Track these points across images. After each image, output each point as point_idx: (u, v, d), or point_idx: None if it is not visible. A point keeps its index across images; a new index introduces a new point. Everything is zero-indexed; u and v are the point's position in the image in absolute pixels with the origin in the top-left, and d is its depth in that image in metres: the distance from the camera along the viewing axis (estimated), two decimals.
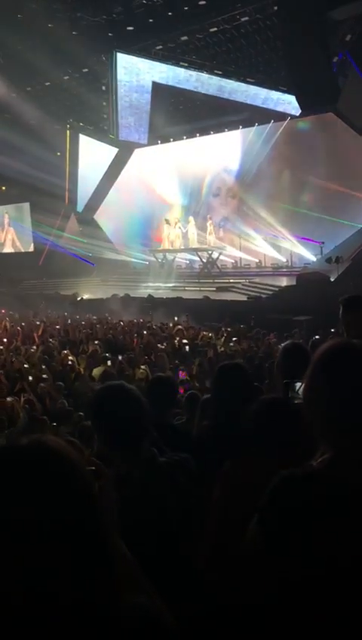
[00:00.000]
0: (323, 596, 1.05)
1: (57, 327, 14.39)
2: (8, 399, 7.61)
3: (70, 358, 10.14)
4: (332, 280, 15.82)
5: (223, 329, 12.64)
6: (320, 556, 1.04)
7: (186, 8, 18.01)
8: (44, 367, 9.60)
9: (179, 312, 15.70)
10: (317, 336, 9.59)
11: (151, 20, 18.93)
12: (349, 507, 1.06)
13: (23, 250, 28.02)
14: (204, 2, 17.59)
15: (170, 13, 18.39)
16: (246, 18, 18.33)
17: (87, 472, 0.93)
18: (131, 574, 1.15)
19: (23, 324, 15.01)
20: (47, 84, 22.67)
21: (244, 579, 1.30)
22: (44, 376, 8.94)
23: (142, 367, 9.12)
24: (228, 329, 12.66)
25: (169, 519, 1.82)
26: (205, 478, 1.96)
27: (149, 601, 1.01)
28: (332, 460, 1.13)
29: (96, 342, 11.51)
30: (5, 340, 12.37)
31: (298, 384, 1.79)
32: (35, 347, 11.43)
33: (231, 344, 10.71)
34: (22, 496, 0.83)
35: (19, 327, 13.99)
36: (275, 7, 17.34)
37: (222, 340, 11.47)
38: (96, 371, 9.21)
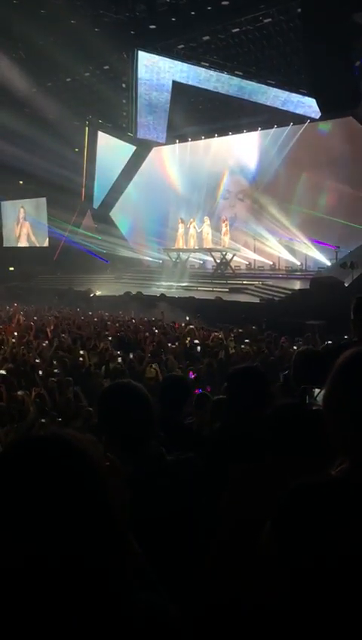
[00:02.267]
0: (337, 607, 1.03)
1: (69, 322, 14.45)
2: (19, 393, 7.66)
3: (81, 353, 10.18)
4: (346, 285, 15.72)
5: (235, 330, 12.62)
6: (336, 567, 1.03)
7: (209, 8, 17.97)
8: (55, 362, 9.65)
9: (191, 311, 15.70)
10: (329, 342, 9.56)
11: (173, 19, 18.91)
12: None
13: (37, 245, 28.17)
14: (226, 3, 17.54)
15: (192, 13, 18.37)
16: (269, 19, 18.26)
17: (103, 467, 0.93)
18: (141, 571, 1.15)
19: (36, 318, 15.09)
20: (68, 80, 22.74)
21: (254, 585, 1.29)
22: (56, 370, 8.99)
23: (153, 365, 9.13)
24: (240, 330, 12.63)
25: (175, 517, 1.82)
26: (213, 479, 1.96)
27: (159, 598, 1.02)
28: (351, 469, 1.12)
29: (110, 338, 11.55)
30: (17, 333, 12.44)
31: (316, 390, 1.78)
32: (47, 342, 11.48)
33: (243, 346, 10.67)
34: (39, 487, 0.84)
35: (32, 322, 14.06)
36: (298, 10, 17.26)
37: (233, 341, 11.45)
38: (110, 366, 9.25)
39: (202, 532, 1.86)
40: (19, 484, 0.84)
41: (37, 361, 9.45)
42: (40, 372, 8.82)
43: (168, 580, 1.23)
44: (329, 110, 18.76)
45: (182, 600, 1.25)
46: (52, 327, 13.33)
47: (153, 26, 19.71)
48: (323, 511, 1.07)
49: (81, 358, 9.78)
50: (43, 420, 6.60)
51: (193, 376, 8.03)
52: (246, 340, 11.25)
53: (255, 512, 1.51)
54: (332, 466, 1.19)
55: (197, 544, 1.84)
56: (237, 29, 19.10)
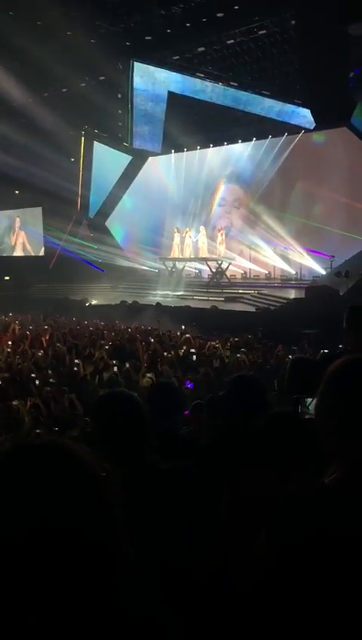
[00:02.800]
0: (335, 615, 1.04)
1: (65, 331, 14.44)
2: (14, 403, 7.64)
3: (77, 362, 10.17)
4: (341, 294, 15.79)
5: (231, 339, 12.63)
6: (333, 574, 1.04)
7: (204, 20, 18.14)
8: (50, 371, 9.63)
9: (186, 320, 15.72)
10: (326, 350, 9.58)
11: (168, 31, 19.07)
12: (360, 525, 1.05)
13: (33, 254, 28.18)
14: (221, 15, 17.71)
15: (187, 25, 18.53)
16: (264, 31, 18.44)
17: (101, 475, 0.94)
18: (137, 581, 1.16)
19: (32, 327, 15.07)
20: (64, 90, 22.86)
21: (252, 593, 1.30)
22: (51, 380, 8.97)
23: (148, 375, 9.12)
24: (236, 339, 12.65)
25: (171, 525, 1.82)
26: (209, 486, 1.96)
27: (155, 608, 1.02)
28: (344, 477, 1.13)
29: (107, 347, 11.55)
30: (12, 342, 12.42)
31: (308, 399, 1.79)
32: (42, 351, 11.47)
33: (239, 355, 10.69)
34: (35, 495, 0.84)
35: (27, 331, 14.05)
36: (293, 22, 17.45)
37: (229, 350, 11.46)
38: (105, 376, 9.25)
39: (198, 539, 1.86)
40: (16, 492, 0.84)
41: (32, 370, 9.42)
42: (36, 381, 8.81)
43: (165, 586, 1.23)
44: (323, 121, 18.92)
45: (179, 606, 1.25)
46: (47, 337, 13.32)
47: (149, 38, 19.87)
48: (317, 518, 1.08)
49: (76, 368, 9.77)
50: (38, 430, 6.58)
51: (190, 386, 8.02)
52: (242, 349, 11.26)
53: (251, 517, 1.52)
54: (324, 474, 1.20)
55: (193, 551, 1.84)
56: (232, 41, 19.28)
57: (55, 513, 0.83)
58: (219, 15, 17.77)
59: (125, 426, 1.86)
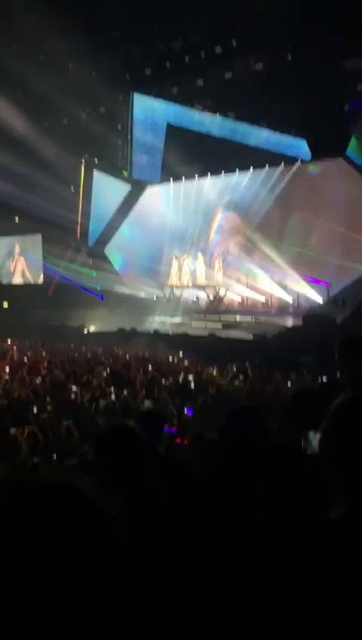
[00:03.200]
0: None
1: (62, 358, 14.41)
2: (12, 430, 7.59)
3: (74, 389, 10.13)
4: (338, 322, 15.84)
5: (229, 366, 12.62)
6: (336, 607, 1.05)
7: (203, 54, 18.61)
8: (48, 398, 9.59)
9: (184, 347, 15.73)
10: (324, 378, 9.58)
11: (168, 64, 19.54)
12: None
13: (32, 282, 28.27)
14: (220, 50, 18.17)
15: (187, 59, 19.00)
16: (261, 65, 18.89)
17: (114, 519, 0.92)
18: (145, 615, 1.15)
19: (29, 354, 15.05)
20: (65, 121, 23.26)
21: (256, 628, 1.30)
22: (48, 407, 8.93)
23: (146, 402, 9.09)
24: (234, 366, 12.64)
25: (171, 556, 1.82)
26: (208, 518, 1.97)
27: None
28: (350, 514, 1.14)
29: (104, 374, 11.52)
30: (9, 369, 12.40)
31: (311, 433, 1.81)
32: (40, 378, 11.44)
33: (237, 382, 10.68)
34: (46, 542, 0.81)
35: (25, 358, 14.03)
36: (289, 57, 17.89)
37: (228, 378, 11.44)
38: (102, 403, 9.21)
39: (197, 570, 1.86)
40: (23, 533, 0.81)
41: (30, 397, 9.38)
42: (33, 409, 8.76)
43: (169, 615, 1.23)
44: (319, 152, 19.24)
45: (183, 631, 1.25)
46: (45, 363, 13.30)
47: (149, 71, 20.34)
48: (324, 557, 1.09)
49: (73, 395, 9.74)
50: (35, 459, 6.53)
51: (190, 414, 7.99)
52: (241, 376, 11.26)
53: (251, 549, 1.52)
54: (330, 509, 1.22)
55: (192, 582, 1.84)
56: (230, 74, 19.72)
57: (65, 562, 0.80)
58: (217, 50, 18.24)
59: (127, 461, 1.88)
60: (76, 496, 0.87)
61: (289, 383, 9.97)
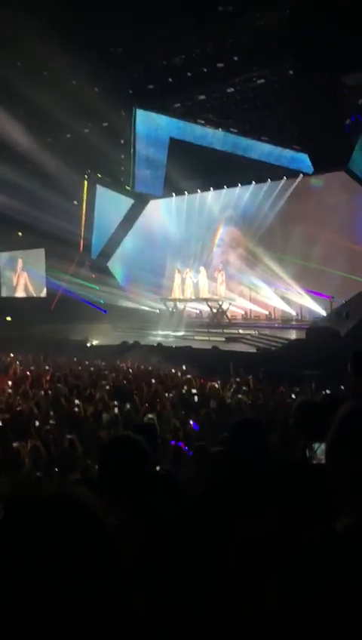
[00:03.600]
0: None
1: (65, 372, 14.40)
2: (14, 444, 7.56)
3: (77, 403, 10.10)
4: (342, 335, 15.80)
5: (232, 379, 12.59)
6: (347, 625, 1.02)
7: (205, 70, 18.79)
8: (51, 412, 9.57)
9: (187, 361, 15.70)
10: (327, 391, 9.54)
11: (170, 80, 19.73)
12: None
13: (35, 295, 28.36)
14: (222, 65, 18.35)
15: (189, 74, 19.19)
16: (263, 80, 19.06)
17: (111, 527, 0.92)
18: (142, 625, 1.13)
19: (33, 368, 15.05)
20: (68, 136, 23.46)
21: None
22: (51, 421, 8.90)
23: (150, 415, 9.06)
24: (237, 380, 12.60)
25: (173, 570, 1.80)
26: (210, 535, 1.94)
27: None
28: (356, 526, 1.12)
29: (107, 387, 11.50)
30: (12, 382, 12.39)
31: (316, 444, 1.79)
32: (43, 392, 11.42)
33: (240, 396, 10.64)
34: (48, 550, 0.82)
35: (27, 372, 14.02)
36: (290, 72, 18.05)
37: (231, 391, 11.41)
38: (105, 417, 9.19)
39: (202, 586, 1.83)
40: (28, 547, 0.82)
41: (33, 411, 9.36)
42: (36, 422, 8.74)
43: (169, 628, 1.21)
44: (321, 166, 19.34)
45: None
46: (48, 377, 13.28)
47: (151, 86, 20.53)
48: (330, 568, 1.07)
49: (76, 408, 9.71)
50: (38, 473, 6.50)
51: (196, 427, 7.96)
52: (244, 388, 11.23)
53: (260, 568, 1.50)
54: (336, 521, 1.19)
55: (197, 598, 1.81)
56: (232, 89, 19.90)
57: (69, 574, 0.81)
58: (219, 65, 18.42)
59: (130, 471, 1.85)
60: (79, 508, 0.87)
61: (292, 395, 9.93)
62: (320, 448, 1.72)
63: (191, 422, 8.17)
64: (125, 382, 12.45)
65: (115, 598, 0.84)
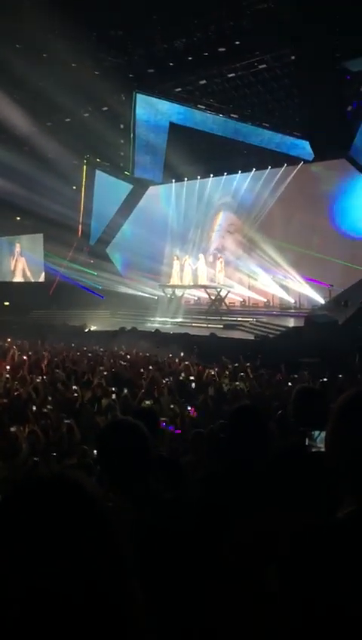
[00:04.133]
0: None
1: (63, 357, 14.39)
2: (12, 429, 7.57)
3: (75, 389, 10.12)
4: (340, 323, 15.82)
5: (230, 366, 12.60)
6: (340, 610, 1.02)
7: (206, 54, 18.57)
8: (49, 398, 9.58)
9: (185, 347, 15.71)
10: (325, 379, 9.56)
11: (171, 64, 19.51)
12: None
13: (32, 280, 28.30)
14: (223, 49, 18.13)
15: (189, 58, 18.97)
16: (264, 66, 18.86)
17: (109, 510, 0.93)
18: (141, 614, 1.14)
19: (30, 353, 15.03)
20: (67, 120, 23.25)
21: (257, 626, 1.28)
22: (49, 406, 8.91)
23: (147, 402, 9.08)
24: (236, 365, 12.62)
25: (173, 556, 1.80)
26: (211, 521, 1.94)
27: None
28: (358, 513, 1.12)
29: (105, 373, 11.51)
30: (9, 367, 12.38)
31: (316, 432, 1.78)
32: (40, 377, 11.42)
33: (238, 383, 10.66)
34: (46, 531, 0.82)
35: (25, 357, 14.00)
36: (292, 57, 17.86)
37: (228, 378, 11.42)
38: (104, 402, 9.21)
39: (200, 572, 1.84)
40: (26, 528, 0.83)
41: (31, 396, 9.38)
42: (34, 407, 8.75)
43: (167, 619, 1.21)
44: (322, 153, 19.22)
45: None
46: (46, 362, 13.28)
47: (151, 70, 20.31)
48: (330, 554, 1.07)
49: (75, 394, 9.73)
50: (36, 458, 6.52)
51: (194, 413, 7.99)
52: (241, 374, 11.24)
53: (257, 552, 1.50)
54: (338, 508, 1.19)
55: (194, 585, 1.81)
56: (233, 74, 19.69)
57: (65, 552, 0.82)
58: (220, 49, 18.21)
59: (130, 456, 1.84)
60: (77, 491, 0.87)
61: (289, 383, 9.95)
62: (319, 436, 1.72)
63: (190, 408, 8.19)
64: (123, 368, 12.46)
65: (113, 583, 0.84)
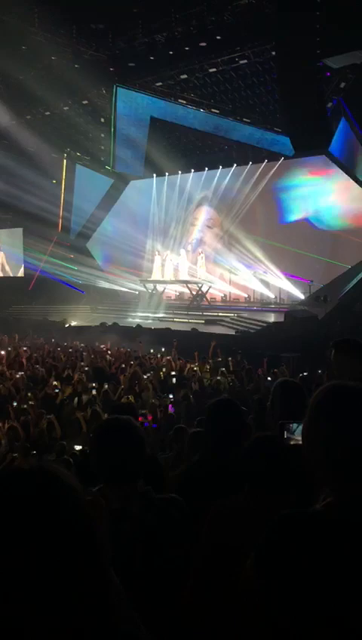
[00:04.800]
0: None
1: (43, 353, 14.31)
2: None
3: (55, 384, 10.07)
4: (319, 318, 15.96)
5: (210, 361, 12.65)
6: (321, 601, 1.04)
7: (187, 48, 18.51)
8: (29, 394, 9.53)
9: (166, 342, 15.72)
10: (305, 373, 9.65)
11: (152, 58, 19.41)
12: (353, 552, 1.05)
13: (11, 275, 28.01)
14: (204, 44, 18.09)
15: (171, 52, 18.89)
16: (245, 61, 18.86)
17: (84, 501, 0.94)
18: (121, 606, 1.15)
19: (10, 349, 14.92)
20: (47, 113, 23.01)
21: (233, 619, 1.29)
22: (30, 402, 8.87)
23: (129, 397, 9.07)
24: (219, 359, 12.67)
25: (163, 555, 1.81)
26: (194, 515, 1.96)
27: (138, 631, 1.02)
28: (335, 503, 1.14)
29: (86, 368, 11.48)
30: None
31: (294, 425, 1.81)
32: (21, 373, 11.35)
33: (219, 377, 10.71)
34: (22, 520, 0.84)
35: (2, 352, 13.90)
36: (273, 53, 17.89)
37: (209, 373, 11.47)
38: (85, 398, 9.18)
39: (186, 569, 1.85)
40: (3, 516, 0.84)
41: (11, 392, 9.31)
42: (14, 403, 8.70)
43: (148, 615, 1.22)
44: (302, 149, 19.30)
45: (162, 634, 1.24)
46: (25, 358, 13.20)
47: (132, 64, 20.17)
48: (307, 545, 1.09)
49: (57, 390, 9.69)
50: (15, 454, 6.49)
51: (172, 410, 8.00)
52: (223, 369, 11.30)
53: (234, 545, 1.52)
54: (315, 500, 1.21)
55: (181, 581, 1.83)
56: (214, 69, 19.66)
57: (39, 538, 0.83)
58: (201, 44, 18.16)
59: (125, 455, 1.85)
60: (53, 479, 0.88)
61: (269, 378, 10.03)
62: (298, 429, 1.74)
63: (170, 405, 8.21)
64: (104, 363, 12.43)
65: (88, 571, 0.85)
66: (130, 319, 21.33)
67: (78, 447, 6.23)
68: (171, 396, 8.80)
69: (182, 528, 1.85)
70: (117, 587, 1.17)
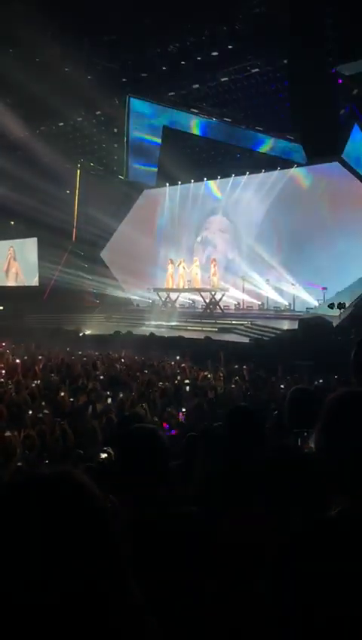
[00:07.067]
0: None
1: (58, 361, 14.36)
2: (7, 434, 7.54)
3: (70, 393, 10.09)
4: (334, 325, 15.87)
5: (223, 369, 12.61)
6: (338, 607, 1.03)
7: (199, 58, 18.65)
8: (43, 403, 9.56)
9: (180, 351, 15.71)
10: (320, 380, 9.58)
11: (164, 68, 19.56)
12: None
13: (26, 284, 28.25)
14: (216, 53, 18.21)
15: (183, 62, 19.03)
16: (257, 70, 18.94)
17: (108, 509, 0.94)
18: (140, 611, 1.15)
19: (25, 357, 15.01)
20: (61, 124, 23.27)
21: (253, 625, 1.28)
22: (45, 411, 8.89)
23: (143, 405, 9.07)
24: (235, 367, 12.63)
25: (180, 563, 1.81)
26: (209, 524, 1.95)
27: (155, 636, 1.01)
28: (351, 511, 1.13)
29: (101, 377, 11.50)
30: (4, 371, 12.36)
31: (307, 433, 1.79)
32: (36, 381, 11.40)
33: (233, 386, 10.67)
34: (45, 527, 0.84)
35: (18, 360, 13.98)
36: (285, 61, 17.94)
37: (223, 381, 11.43)
38: (99, 407, 9.19)
39: (199, 579, 1.84)
40: (26, 523, 0.84)
41: (26, 400, 9.35)
42: (29, 412, 8.73)
43: (164, 622, 1.22)
44: (314, 156, 19.30)
45: None
46: (41, 367, 13.25)
47: (144, 75, 20.35)
48: (323, 551, 1.08)
49: (71, 399, 9.72)
50: (30, 464, 6.49)
51: (183, 419, 7.97)
52: (236, 378, 11.26)
53: (251, 554, 1.51)
54: (330, 507, 1.20)
55: (194, 591, 1.82)
56: (226, 78, 19.76)
57: (62, 545, 0.83)
58: (213, 54, 18.28)
59: (150, 464, 1.85)
60: (76, 487, 0.88)
61: (281, 386, 9.98)
62: (312, 437, 1.73)
63: (180, 414, 8.18)
64: (118, 372, 12.45)
65: (110, 580, 0.85)
66: (143, 328, 21.37)
67: (103, 455, 6.20)
68: (183, 406, 8.77)
69: (199, 538, 1.84)
70: (136, 593, 1.17)
